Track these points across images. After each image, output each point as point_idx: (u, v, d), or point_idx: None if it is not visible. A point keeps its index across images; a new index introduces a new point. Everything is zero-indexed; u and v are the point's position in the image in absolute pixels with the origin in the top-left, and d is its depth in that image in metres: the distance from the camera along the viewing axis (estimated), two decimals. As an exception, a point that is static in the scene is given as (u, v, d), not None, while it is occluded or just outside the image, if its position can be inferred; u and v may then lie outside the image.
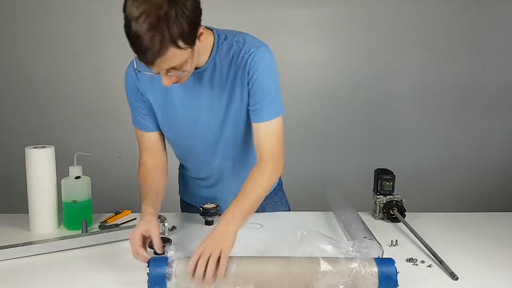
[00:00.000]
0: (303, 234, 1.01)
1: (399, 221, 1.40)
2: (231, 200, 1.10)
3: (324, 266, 0.93)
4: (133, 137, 1.33)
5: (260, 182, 1.14)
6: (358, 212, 1.34)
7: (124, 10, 0.95)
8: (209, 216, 1.36)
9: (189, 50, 1.00)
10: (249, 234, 1.28)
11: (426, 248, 1.19)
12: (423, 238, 1.24)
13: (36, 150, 1.33)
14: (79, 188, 1.37)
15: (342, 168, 2.69)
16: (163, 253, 1.07)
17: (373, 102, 2.64)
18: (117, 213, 1.49)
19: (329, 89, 2.63)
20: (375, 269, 0.94)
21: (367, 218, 1.45)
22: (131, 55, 1.03)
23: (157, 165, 1.30)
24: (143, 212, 1.12)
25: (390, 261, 0.96)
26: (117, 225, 1.39)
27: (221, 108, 1.23)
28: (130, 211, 1.51)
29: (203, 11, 1.01)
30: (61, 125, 2.62)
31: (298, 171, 2.50)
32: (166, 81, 1.05)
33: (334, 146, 2.69)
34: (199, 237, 1.02)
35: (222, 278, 0.94)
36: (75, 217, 1.35)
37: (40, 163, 1.33)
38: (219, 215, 1.32)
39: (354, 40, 2.60)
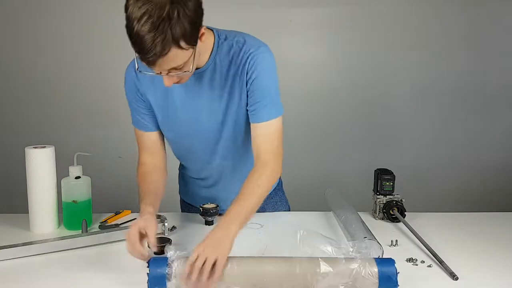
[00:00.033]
0: (303, 235, 1.01)
1: (399, 221, 1.40)
2: (231, 200, 1.09)
3: (324, 268, 0.93)
4: (133, 137, 1.33)
5: (260, 183, 1.14)
6: (358, 212, 1.34)
7: (126, 10, 0.94)
8: (209, 216, 1.36)
9: (191, 50, 1.00)
10: (249, 234, 1.28)
11: (426, 248, 1.19)
12: (423, 238, 1.23)
13: (36, 150, 1.32)
14: (79, 188, 1.37)
15: (342, 168, 2.69)
16: (161, 252, 1.06)
17: (373, 102, 2.64)
18: (117, 213, 1.49)
19: (329, 89, 2.63)
20: (375, 269, 0.94)
21: (367, 218, 1.45)
22: (131, 55, 1.03)
23: (156, 165, 1.30)
24: (142, 212, 1.12)
25: (390, 261, 0.96)
26: (117, 225, 1.39)
27: (221, 108, 1.23)
28: (130, 211, 1.51)
29: (204, 11, 1.01)
30: (61, 125, 2.62)
31: (298, 171, 2.50)
32: (167, 81, 1.05)
33: (334, 146, 2.69)
34: (199, 237, 1.02)
35: (215, 285, 0.94)
36: (75, 217, 1.35)
37: (40, 163, 1.32)
38: (219, 215, 1.32)
39: (354, 40, 2.60)
